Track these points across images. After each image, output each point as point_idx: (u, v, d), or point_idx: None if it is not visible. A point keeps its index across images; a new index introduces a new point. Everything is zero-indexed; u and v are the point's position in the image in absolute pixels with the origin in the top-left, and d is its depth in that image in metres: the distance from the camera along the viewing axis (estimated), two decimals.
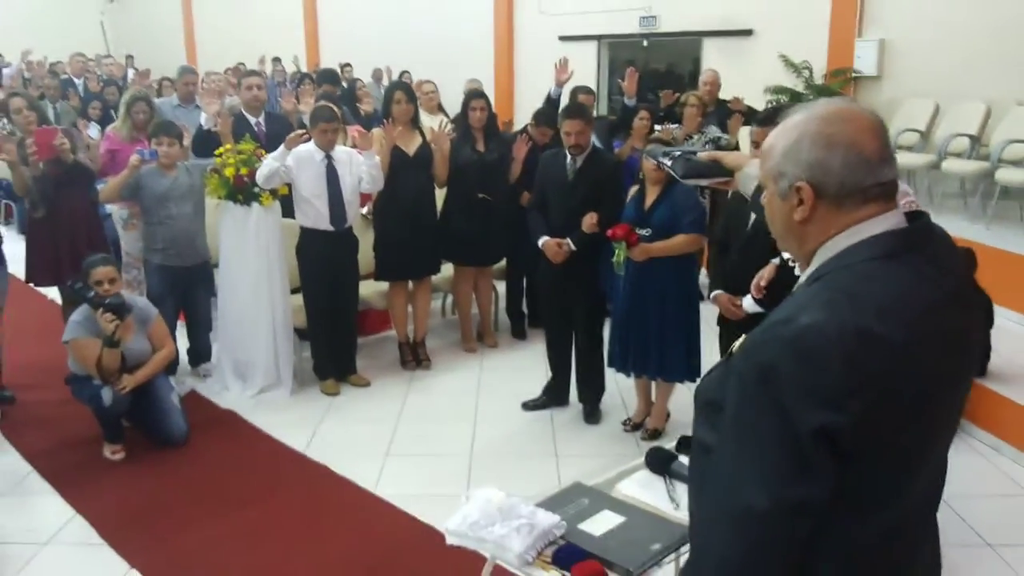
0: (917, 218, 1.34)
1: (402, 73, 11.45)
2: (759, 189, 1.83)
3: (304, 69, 13.45)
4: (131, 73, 12.98)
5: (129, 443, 4.38)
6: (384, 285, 5.64)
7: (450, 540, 2.29)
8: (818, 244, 1.34)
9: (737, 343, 1.37)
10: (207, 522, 3.72)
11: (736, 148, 6.06)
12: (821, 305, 1.22)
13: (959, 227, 6.30)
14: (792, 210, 1.35)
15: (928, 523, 1.42)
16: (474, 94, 5.73)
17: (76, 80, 11.51)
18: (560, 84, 6.25)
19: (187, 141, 5.43)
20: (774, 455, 1.20)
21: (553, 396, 4.94)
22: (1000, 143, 7.05)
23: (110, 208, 5.84)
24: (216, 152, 5.06)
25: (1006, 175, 6.86)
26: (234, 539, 3.60)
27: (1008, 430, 4.27)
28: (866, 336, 1.18)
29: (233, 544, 3.56)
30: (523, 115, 9.87)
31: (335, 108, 5.26)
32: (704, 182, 2.01)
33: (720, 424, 1.32)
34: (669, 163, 1.99)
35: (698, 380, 4.36)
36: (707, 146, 5.96)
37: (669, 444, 2.66)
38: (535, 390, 4.99)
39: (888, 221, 1.30)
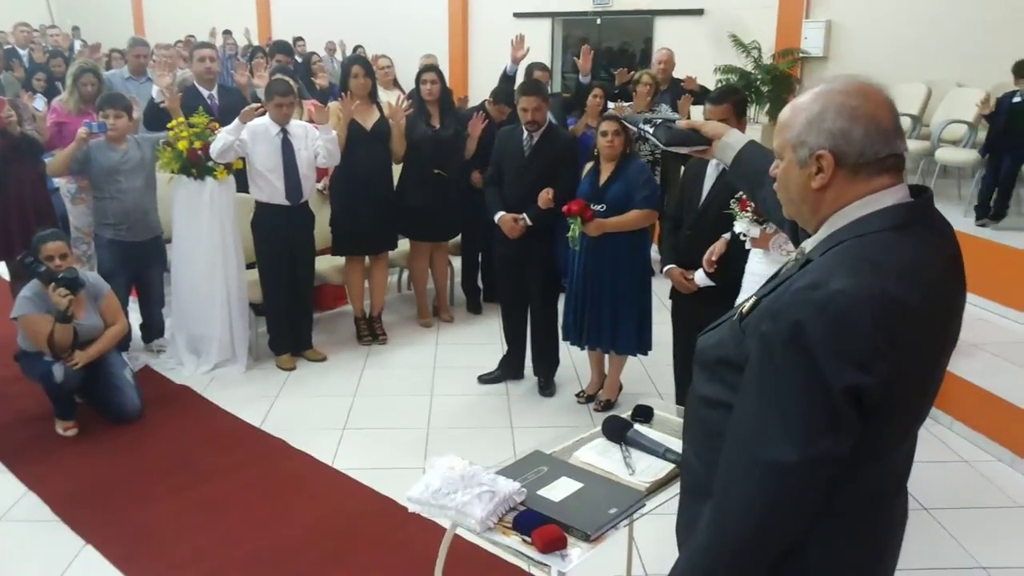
0: (920, 192, 1.42)
1: (355, 47, 11.29)
2: (737, 160, 1.88)
3: (256, 43, 13.16)
4: (77, 44, 12.56)
5: (82, 419, 4.34)
6: (340, 260, 5.63)
7: (412, 508, 2.28)
8: (831, 212, 1.42)
9: (748, 303, 1.44)
10: (163, 498, 3.71)
11: None
12: (847, 271, 1.29)
13: None
14: (810, 178, 1.41)
15: (904, 481, 1.53)
16: (425, 68, 5.69)
17: (20, 51, 11.11)
18: (516, 61, 6.24)
19: (137, 114, 5.34)
20: (803, 412, 1.28)
21: (508, 369, 5.00)
22: (940, 123, 7.26)
23: (57, 182, 5.71)
24: (168, 125, 4.99)
25: (945, 154, 7.08)
26: (191, 514, 3.58)
27: (944, 400, 4.44)
28: (891, 301, 1.26)
29: (190, 519, 3.54)
30: (478, 91, 9.83)
31: (291, 82, 5.20)
32: (684, 150, 2.03)
33: (738, 382, 1.39)
34: (651, 130, 2.02)
35: (648, 353, 4.47)
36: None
37: (623, 414, 2.72)
38: (491, 364, 5.04)
39: (897, 194, 1.39)
